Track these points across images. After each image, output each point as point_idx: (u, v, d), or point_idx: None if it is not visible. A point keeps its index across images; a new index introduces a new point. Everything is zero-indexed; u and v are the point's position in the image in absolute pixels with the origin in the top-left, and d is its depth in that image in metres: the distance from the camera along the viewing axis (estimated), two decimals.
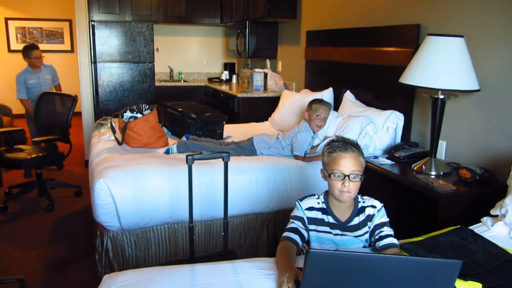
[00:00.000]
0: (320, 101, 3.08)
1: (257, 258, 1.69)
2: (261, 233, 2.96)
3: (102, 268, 2.69)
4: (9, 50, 8.14)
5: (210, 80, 6.43)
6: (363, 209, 1.73)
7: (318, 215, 1.74)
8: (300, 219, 1.73)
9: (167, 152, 3.11)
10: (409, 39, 2.95)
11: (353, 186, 1.64)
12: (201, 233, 2.82)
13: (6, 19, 8.03)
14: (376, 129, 3.04)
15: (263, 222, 2.95)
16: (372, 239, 1.71)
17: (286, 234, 1.71)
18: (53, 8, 8.20)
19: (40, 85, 4.88)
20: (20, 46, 8.05)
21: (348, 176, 1.62)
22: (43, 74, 4.96)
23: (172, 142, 3.29)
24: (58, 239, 3.37)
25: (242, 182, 2.81)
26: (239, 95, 4.74)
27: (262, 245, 2.97)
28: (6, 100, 7.05)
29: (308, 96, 3.86)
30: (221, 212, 2.62)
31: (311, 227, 1.74)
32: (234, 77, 6.19)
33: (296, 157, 3.05)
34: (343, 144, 1.66)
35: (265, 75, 5.09)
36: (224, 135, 3.69)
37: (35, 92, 4.77)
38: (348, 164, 1.63)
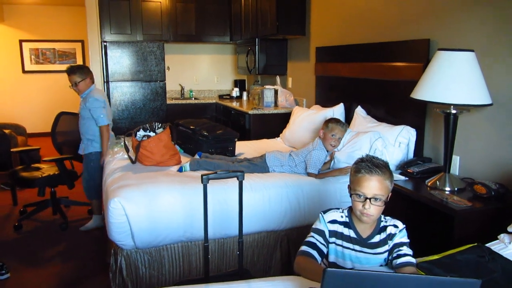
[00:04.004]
0: (337, 121, 3.10)
1: (274, 278, 1.68)
2: (274, 251, 2.94)
3: (116, 286, 2.69)
4: (23, 71, 8.30)
5: (221, 97, 6.48)
6: (384, 228, 1.73)
7: (340, 228, 1.74)
8: (321, 232, 1.73)
9: (180, 170, 3.13)
10: (419, 54, 2.96)
11: (374, 209, 1.63)
12: (214, 251, 2.81)
13: (21, 41, 8.22)
14: (386, 144, 3.04)
15: (276, 240, 2.94)
16: (390, 257, 1.70)
17: (304, 248, 1.70)
18: (65, 29, 8.38)
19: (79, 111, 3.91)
20: (33, 67, 8.29)
21: (370, 199, 1.62)
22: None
23: (185, 160, 3.31)
24: (71, 258, 3.38)
25: (254, 200, 2.81)
26: (250, 111, 4.77)
27: (276, 263, 2.95)
28: (21, 119, 7.19)
29: (319, 112, 3.87)
30: (234, 230, 2.62)
31: (331, 239, 1.74)
32: (245, 94, 6.24)
33: (310, 174, 3.05)
34: (369, 165, 1.63)
35: (276, 91, 5.13)
36: (236, 152, 3.71)
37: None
38: (371, 187, 1.62)
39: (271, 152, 3.24)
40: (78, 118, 3.91)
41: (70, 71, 3.75)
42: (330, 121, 3.11)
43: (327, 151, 3.09)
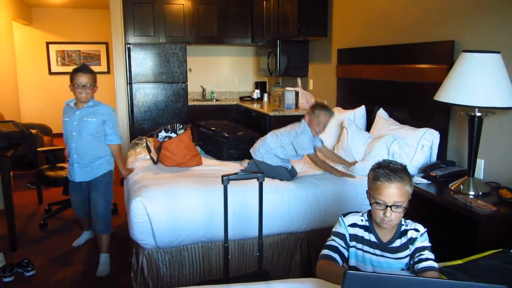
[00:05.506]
0: (323, 108, 3.02)
1: (293, 279, 1.68)
2: (294, 253, 2.94)
3: (137, 285, 2.73)
4: (50, 73, 8.51)
5: (242, 99, 6.51)
6: (405, 232, 1.71)
7: (360, 232, 1.73)
8: (342, 236, 1.72)
9: None
10: (443, 56, 2.92)
11: (394, 216, 1.61)
12: (234, 252, 2.82)
13: (48, 43, 8.43)
14: (402, 146, 2.99)
15: (296, 241, 2.93)
16: (411, 262, 1.68)
17: (326, 252, 1.69)
18: (91, 32, 8.56)
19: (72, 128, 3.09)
20: (59, 69, 8.49)
21: (390, 206, 1.59)
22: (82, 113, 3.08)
23: (205, 161, 3.35)
24: (94, 256, 3.44)
25: (274, 201, 2.82)
26: (271, 113, 4.77)
27: (296, 265, 2.95)
28: (47, 120, 7.35)
29: (340, 114, 3.85)
30: (254, 231, 2.63)
31: (352, 243, 1.73)
32: (266, 95, 6.25)
33: (310, 156, 3.03)
34: (388, 172, 1.60)
35: (296, 93, 5.12)
36: None
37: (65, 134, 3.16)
38: (391, 194, 1.59)
39: (253, 149, 3.22)
40: (68, 136, 3.09)
41: (90, 71, 3.10)
42: (316, 108, 3.01)
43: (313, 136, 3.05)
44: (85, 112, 3.06)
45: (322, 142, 3.25)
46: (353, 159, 3.29)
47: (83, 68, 3.07)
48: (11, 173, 3.69)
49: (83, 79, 3.01)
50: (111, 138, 3.15)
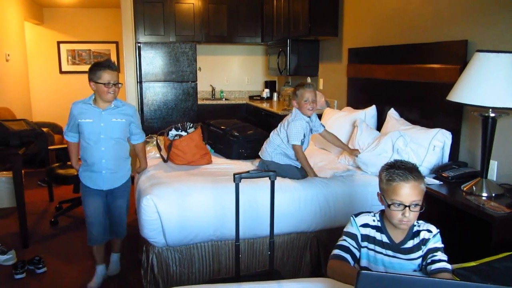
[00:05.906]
0: (301, 85, 3.06)
1: (304, 279, 1.68)
2: (304, 253, 2.93)
3: (147, 283, 2.74)
4: (61, 72, 8.57)
5: (251, 98, 6.51)
6: (418, 232, 1.69)
7: (372, 232, 1.71)
8: (353, 236, 1.71)
9: None
10: (456, 56, 2.89)
11: (413, 216, 1.60)
12: (244, 251, 2.82)
13: (58, 43, 8.49)
14: (407, 143, 2.97)
15: (306, 241, 2.93)
16: (424, 263, 1.66)
17: (337, 252, 1.68)
18: (101, 31, 8.61)
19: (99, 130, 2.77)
20: (70, 68, 8.54)
21: (409, 206, 1.58)
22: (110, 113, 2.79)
23: (215, 160, 3.35)
24: (105, 253, 3.45)
25: (285, 201, 2.81)
26: (280, 112, 4.77)
27: (305, 265, 2.94)
28: (58, 118, 7.41)
29: (351, 114, 3.83)
30: (264, 230, 2.63)
31: (363, 244, 1.72)
32: (275, 95, 6.24)
33: (294, 147, 3.03)
34: (403, 172, 1.58)
35: None
36: None
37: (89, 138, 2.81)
38: (408, 194, 1.57)
39: (261, 151, 3.23)
40: (94, 139, 2.77)
41: (117, 68, 2.85)
42: (297, 89, 3.06)
43: (308, 117, 3.07)
44: (113, 112, 2.78)
45: (323, 126, 3.27)
46: (357, 146, 3.29)
47: (112, 65, 2.76)
48: (23, 171, 3.72)
49: (112, 77, 2.71)
50: (138, 137, 2.99)
